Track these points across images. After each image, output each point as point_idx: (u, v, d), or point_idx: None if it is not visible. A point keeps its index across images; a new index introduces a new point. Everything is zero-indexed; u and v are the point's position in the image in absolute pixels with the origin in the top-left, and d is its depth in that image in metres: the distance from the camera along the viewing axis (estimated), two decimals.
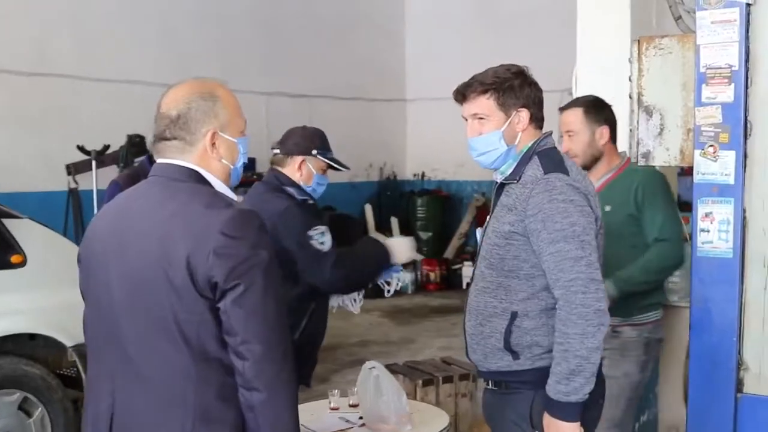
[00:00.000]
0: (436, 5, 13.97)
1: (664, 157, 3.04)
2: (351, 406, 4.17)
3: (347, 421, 4.01)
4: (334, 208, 13.05)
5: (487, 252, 2.84)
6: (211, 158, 2.28)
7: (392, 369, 5.45)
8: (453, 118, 11.93)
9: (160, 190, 2.27)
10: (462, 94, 2.84)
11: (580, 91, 4.87)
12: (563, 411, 2.64)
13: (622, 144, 4.44)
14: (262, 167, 12.14)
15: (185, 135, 2.26)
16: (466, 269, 12.48)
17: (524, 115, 2.80)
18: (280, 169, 3.61)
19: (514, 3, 12.91)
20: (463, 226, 13.45)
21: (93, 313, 2.33)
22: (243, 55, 11.75)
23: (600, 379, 2.80)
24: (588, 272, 2.61)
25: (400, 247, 3.58)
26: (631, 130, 3.11)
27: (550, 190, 2.67)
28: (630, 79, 3.13)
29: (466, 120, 2.87)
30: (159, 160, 2.31)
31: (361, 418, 3.97)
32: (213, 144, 2.27)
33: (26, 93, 9.40)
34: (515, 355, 2.77)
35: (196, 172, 2.26)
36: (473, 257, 12.47)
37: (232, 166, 2.33)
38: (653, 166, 3.81)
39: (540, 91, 2.85)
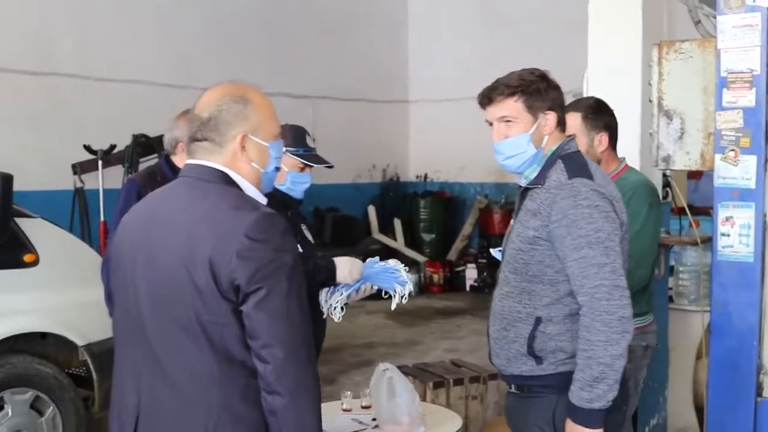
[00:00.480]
0: (438, 6, 13.97)
1: (685, 161, 3.05)
2: (363, 407, 4.17)
3: (360, 422, 4.01)
4: (337, 209, 13.07)
5: (511, 256, 2.83)
6: (240, 161, 2.28)
7: (402, 371, 5.45)
8: (455, 120, 12.09)
9: (188, 190, 2.28)
10: (488, 98, 2.80)
11: (591, 94, 4.87)
12: (586, 418, 2.63)
13: (631, 147, 4.43)
14: None
15: (215, 137, 2.27)
16: (470, 271, 12.49)
17: (551, 117, 2.78)
18: None
19: (516, 5, 12.91)
20: (466, 228, 13.46)
21: (121, 310, 2.33)
22: (245, 56, 11.74)
23: (624, 384, 2.80)
24: (612, 279, 2.59)
25: (344, 267, 3.49)
26: (651, 134, 3.11)
27: (574, 196, 2.66)
28: (650, 83, 3.13)
29: (491, 124, 2.83)
30: (189, 161, 2.32)
31: (374, 419, 3.97)
32: (243, 147, 2.27)
33: (31, 92, 9.41)
34: (539, 360, 2.76)
35: (225, 174, 2.27)
36: (476, 259, 12.56)
37: (262, 170, 2.32)
38: (643, 176, 3.69)
39: (562, 94, 2.83)
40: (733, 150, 2.87)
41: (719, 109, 2.89)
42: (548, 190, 2.72)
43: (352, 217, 13.09)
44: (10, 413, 4.57)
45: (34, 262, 4.68)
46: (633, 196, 3.51)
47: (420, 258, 12.92)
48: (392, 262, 3.58)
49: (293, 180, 3.49)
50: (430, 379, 5.11)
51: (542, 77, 2.80)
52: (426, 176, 14.46)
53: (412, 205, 13.83)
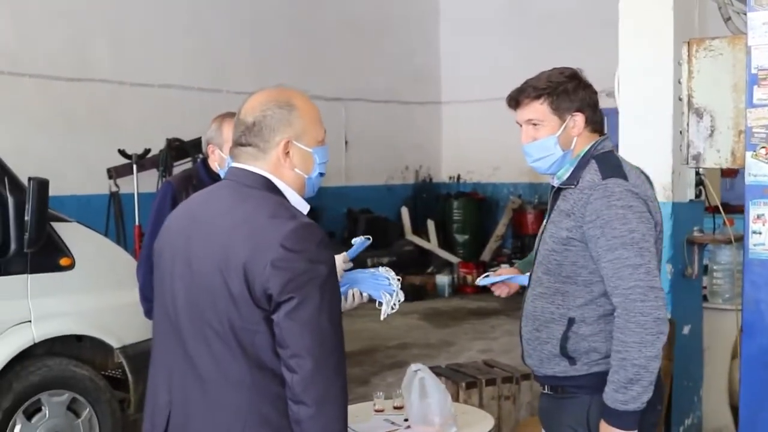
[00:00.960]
0: (470, 7, 13.94)
1: (715, 159, 3.02)
2: (395, 408, 4.18)
3: (392, 423, 4.02)
4: (370, 210, 13.10)
5: (544, 257, 2.83)
6: (284, 167, 2.28)
7: (435, 371, 5.44)
8: (488, 121, 12.03)
9: (230, 194, 2.29)
10: (515, 100, 2.81)
11: (623, 93, 4.84)
12: (620, 419, 2.62)
13: (663, 145, 4.39)
14: None
15: (259, 142, 2.27)
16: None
17: (579, 119, 2.77)
18: None
19: (548, 4, 12.86)
20: (500, 229, 13.42)
21: (159, 310, 2.36)
22: (277, 59, 11.81)
23: (658, 384, 2.78)
24: (647, 280, 2.58)
25: None
26: (681, 133, 3.08)
27: (608, 196, 2.64)
28: (680, 81, 3.10)
29: (521, 126, 2.84)
30: (234, 164, 2.33)
31: (406, 420, 3.98)
32: (287, 153, 2.27)
33: (67, 98, 9.55)
34: (572, 360, 2.76)
35: (268, 179, 2.27)
36: (510, 260, 12.50)
37: (306, 176, 2.32)
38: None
39: (595, 93, 2.81)
40: (764, 147, 2.84)
41: (750, 106, 2.86)
42: (582, 191, 2.71)
43: (385, 218, 13.11)
44: (47, 415, 4.63)
45: (70, 266, 4.73)
46: None
47: (453, 259, 12.91)
48: (382, 269, 3.55)
49: None
50: (462, 380, 5.11)
51: (572, 77, 2.79)
52: (459, 177, 14.45)
53: (445, 206, 13.83)
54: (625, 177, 2.69)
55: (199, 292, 2.20)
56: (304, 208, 2.34)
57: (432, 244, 13.22)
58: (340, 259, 3.47)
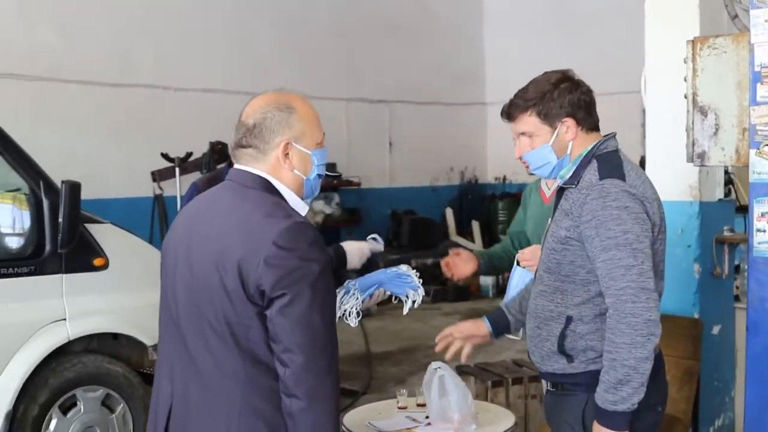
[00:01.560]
0: (513, 6, 13.92)
1: (720, 157, 3.01)
2: (419, 405, 4.22)
3: (414, 420, 4.06)
4: (414, 212, 13.15)
5: (546, 256, 2.85)
6: (283, 168, 2.35)
7: (463, 370, 5.48)
8: None
9: (230, 194, 2.37)
10: (507, 114, 2.85)
11: (649, 93, 4.82)
12: (610, 420, 2.63)
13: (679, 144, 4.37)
14: (342, 172, 12.31)
15: (259, 144, 2.35)
16: None
17: (570, 124, 2.78)
18: None
19: (593, 3, 12.78)
20: None
21: (163, 306, 2.46)
22: (321, 62, 11.91)
23: (659, 385, 2.80)
24: (639, 281, 2.58)
25: (352, 251, 3.57)
26: (686, 131, 3.08)
27: (604, 197, 2.65)
28: (685, 80, 3.10)
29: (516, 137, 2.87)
30: (235, 166, 2.41)
31: (427, 417, 4.02)
32: (286, 154, 2.34)
33: (111, 103, 9.77)
34: (569, 358, 2.78)
35: (267, 180, 2.35)
36: None
37: (304, 177, 2.39)
38: None
39: (586, 93, 2.81)
40: (767, 145, 2.83)
41: (753, 103, 2.85)
42: (580, 191, 2.73)
43: (429, 219, 13.15)
44: (82, 410, 4.79)
45: (104, 266, 4.87)
46: None
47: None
48: (404, 268, 3.66)
49: None
50: (489, 378, 5.14)
51: (558, 82, 2.78)
52: (504, 178, 14.41)
53: (491, 207, 13.81)
54: (623, 177, 2.69)
55: (198, 289, 2.29)
56: (303, 208, 2.41)
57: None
58: (366, 246, 3.59)
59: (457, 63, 13.93)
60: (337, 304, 3.58)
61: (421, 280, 3.68)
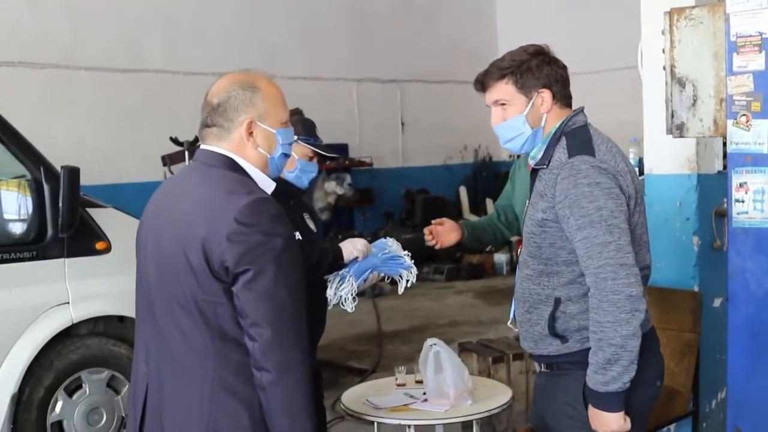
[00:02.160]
0: None
1: (698, 128, 2.99)
2: (417, 382, 4.26)
3: (411, 396, 4.10)
4: (427, 190, 13.15)
5: (526, 240, 2.82)
6: (247, 146, 2.39)
7: (465, 347, 5.51)
8: None
9: (196, 174, 2.41)
10: (481, 83, 2.81)
11: (645, 68, 4.78)
12: (603, 401, 2.60)
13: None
14: (354, 153, 12.33)
15: (223, 122, 2.38)
16: None
17: (546, 95, 2.74)
18: None
19: None
20: None
21: (138, 286, 2.51)
22: (331, 42, 11.92)
23: (656, 359, 2.78)
24: (617, 257, 2.54)
25: (347, 247, 3.62)
26: (665, 103, 3.07)
27: (574, 175, 2.61)
28: (663, 51, 3.09)
29: (490, 108, 2.83)
30: (201, 146, 2.45)
31: (424, 393, 4.06)
32: (250, 133, 2.38)
33: (123, 89, 9.83)
34: (563, 339, 2.74)
35: (231, 158, 2.38)
36: None
37: (269, 156, 2.43)
38: None
39: (562, 68, 2.78)
40: (744, 115, 2.82)
41: (730, 74, 2.83)
42: (551, 171, 2.69)
43: (443, 198, 13.15)
44: (87, 391, 4.87)
45: (107, 250, 4.93)
46: None
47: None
48: (390, 242, 3.71)
49: (302, 168, 3.59)
50: (490, 355, 5.16)
51: (536, 54, 2.76)
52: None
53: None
54: (592, 153, 2.65)
55: (166, 268, 2.33)
56: (269, 185, 2.45)
57: None
58: (361, 242, 3.64)
59: (469, 41, 13.87)
60: (333, 292, 3.64)
61: (412, 260, 3.73)
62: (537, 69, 2.73)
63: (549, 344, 2.77)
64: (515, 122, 2.77)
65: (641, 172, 5.20)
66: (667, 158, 4.76)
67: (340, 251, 3.57)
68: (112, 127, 9.69)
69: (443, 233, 3.91)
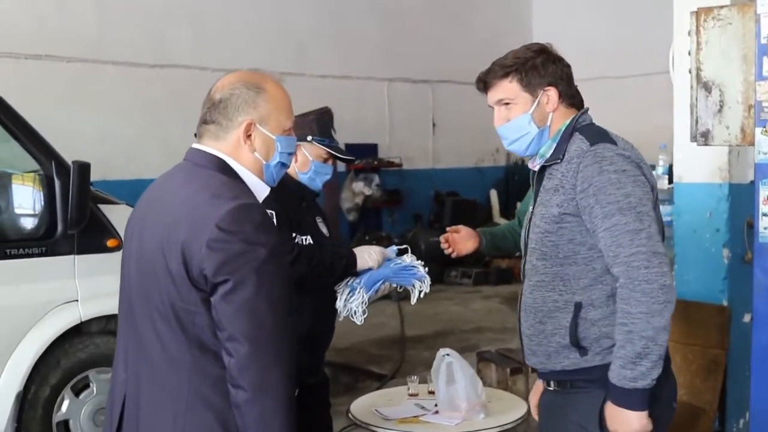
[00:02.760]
0: None
1: (724, 136, 2.82)
2: (430, 392, 4.13)
3: (422, 407, 3.98)
4: (457, 193, 13.00)
5: (537, 242, 2.64)
6: (242, 148, 2.26)
7: (483, 356, 5.38)
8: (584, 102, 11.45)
9: (183, 175, 2.28)
10: (483, 82, 2.69)
11: (676, 72, 4.62)
12: (629, 399, 2.43)
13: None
14: (383, 153, 12.22)
15: (222, 120, 2.26)
16: None
17: (552, 93, 2.63)
18: None
19: None
20: None
21: (121, 288, 2.38)
22: (362, 41, 11.81)
23: (671, 379, 2.64)
24: (649, 245, 2.40)
25: (362, 254, 3.49)
26: (690, 108, 2.90)
27: (599, 161, 2.48)
28: (689, 53, 2.92)
29: (493, 108, 2.72)
30: (194, 145, 2.32)
31: (436, 405, 3.93)
32: (249, 135, 2.25)
33: (148, 84, 9.80)
34: (583, 350, 2.56)
35: (222, 160, 2.25)
36: None
37: (264, 162, 2.30)
38: None
39: (567, 66, 2.67)
40: None
41: (759, 78, 2.66)
42: (569, 162, 2.55)
43: (473, 201, 12.99)
44: (95, 391, 4.78)
45: (118, 247, 4.83)
46: None
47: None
48: (408, 259, 3.57)
49: (316, 170, 3.48)
50: (508, 365, 5.02)
51: (540, 51, 2.65)
52: None
53: None
54: (614, 142, 2.54)
55: (146, 270, 2.21)
56: (262, 190, 2.32)
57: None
58: (389, 252, 3.53)
59: (503, 41, 13.51)
60: (342, 303, 3.52)
61: (426, 269, 3.60)
62: (542, 67, 2.62)
63: (565, 357, 2.60)
64: (520, 121, 2.65)
65: (670, 180, 5.03)
66: (697, 166, 4.60)
67: (354, 258, 3.45)
68: (138, 122, 9.66)
69: (459, 241, 3.79)
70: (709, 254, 4.59)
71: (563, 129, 2.64)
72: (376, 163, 11.83)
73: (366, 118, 11.78)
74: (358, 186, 11.47)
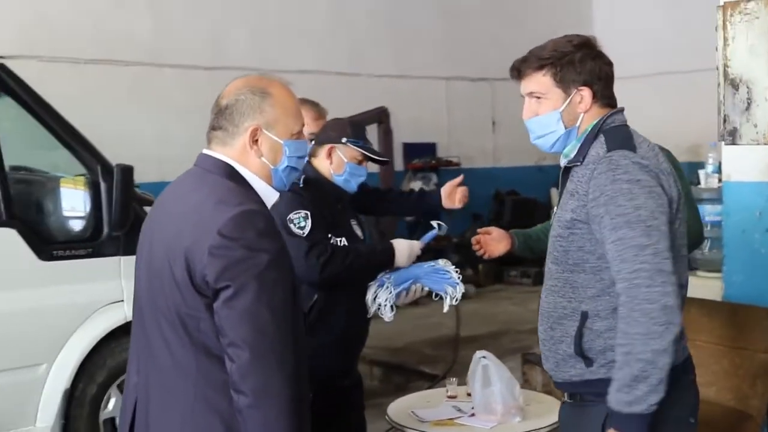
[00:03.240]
0: None
1: (752, 134, 2.72)
2: (468, 395, 4.10)
3: (459, 410, 3.96)
4: (517, 192, 12.87)
5: (551, 246, 2.58)
6: (249, 154, 2.27)
7: (528, 359, 5.31)
8: (642, 99, 11.50)
9: (192, 180, 2.31)
10: (518, 71, 2.60)
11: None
12: (627, 424, 2.32)
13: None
14: (442, 152, 12.17)
15: (228, 126, 2.28)
16: None
17: (586, 94, 2.50)
18: (312, 159, 3.55)
19: None
20: None
21: (134, 294, 2.42)
22: (419, 40, 11.76)
23: (692, 391, 2.52)
24: (654, 262, 2.27)
25: (402, 249, 3.43)
26: (718, 106, 2.80)
27: (613, 170, 2.36)
28: (716, 49, 2.82)
29: (524, 98, 2.63)
30: (204, 150, 2.35)
31: (473, 408, 3.90)
32: (256, 141, 2.27)
33: (205, 87, 9.88)
34: (588, 361, 2.47)
35: (230, 166, 2.27)
36: None
37: (272, 167, 2.31)
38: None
39: (608, 64, 2.53)
40: None
41: None
42: (586, 166, 2.45)
43: (533, 200, 12.84)
44: None
45: None
46: None
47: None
48: (442, 262, 3.53)
49: (351, 172, 3.49)
50: None
51: (581, 46, 2.52)
52: None
53: None
54: (633, 149, 2.41)
55: (154, 277, 2.25)
56: (271, 196, 2.33)
57: None
58: (417, 246, 3.50)
59: None
60: (371, 297, 3.50)
61: (460, 276, 3.56)
62: (580, 63, 2.49)
63: (571, 366, 2.51)
64: (549, 119, 2.54)
65: (720, 179, 4.90)
66: (746, 164, 4.46)
67: (392, 251, 3.43)
68: (195, 124, 9.67)
69: (491, 243, 3.74)
70: (759, 255, 4.46)
71: (590, 129, 2.53)
72: (434, 162, 11.78)
73: (424, 118, 11.74)
74: (416, 185, 11.44)
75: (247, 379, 2.07)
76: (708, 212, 4.97)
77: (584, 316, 2.46)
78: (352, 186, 3.54)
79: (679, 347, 2.38)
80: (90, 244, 4.72)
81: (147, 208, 4.91)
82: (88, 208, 4.75)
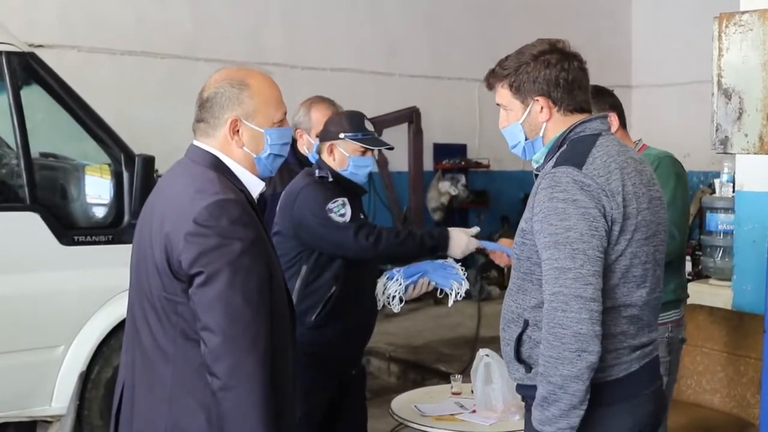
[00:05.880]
0: None
1: (743, 144, 2.75)
2: (472, 392, 4.16)
3: (461, 406, 4.03)
4: None
5: (513, 250, 2.58)
6: (232, 144, 2.36)
7: None
8: (679, 105, 11.40)
9: (180, 170, 2.42)
10: (487, 82, 2.63)
11: None
12: None
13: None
14: (472, 154, 12.19)
15: (209, 118, 2.37)
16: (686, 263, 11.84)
17: (544, 103, 2.48)
18: (322, 156, 3.64)
19: None
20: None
21: (129, 280, 2.52)
22: (454, 41, 11.76)
23: (638, 410, 2.45)
24: (573, 287, 2.24)
25: (459, 240, 3.50)
26: (711, 115, 2.86)
27: (552, 186, 2.33)
28: (711, 59, 2.88)
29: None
30: (193, 141, 2.44)
31: (475, 404, 3.97)
32: (236, 131, 2.35)
33: None
34: (527, 367, 2.46)
35: (215, 156, 2.36)
36: (693, 251, 11.85)
37: (254, 155, 2.39)
38: (664, 150, 3.58)
39: (567, 70, 2.50)
40: None
41: None
42: (539, 178, 2.45)
43: None
44: None
45: None
46: (657, 168, 3.39)
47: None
48: (451, 261, 3.62)
49: (355, 164, 3.56)
50: None
51: (540, 54, 2.52)
52: None
53: None
54: (580, 165, 2.35)
55: (141, 261, 2.36)
56: (256, 186, 2.41)
57: None
58: (474, 244, 3.58)
59: (601, 44, 13.38)
60: (381, 290, 3.60)
61: (465, 274, 3.64)
62: (533, 72, 2.49)
63: (516, 370, 2.52)
64: (513, 130, 2.55)
65: (733, 189, 4.91)
66: (759, 174, 4.49)
67: (446, 239, 3.50)
68: None
69: (504, 255, 3.80)
70: None
71: (558, 137, 2.51)
72: (463, 163, 11.81)
73: (455, 119, 11.76)
74: (445, 186, 11.48)
75: (218, 362, 2.15)
76: (721, 221, 5.00)
77: (526, 323, 2.45)
78: (360, 178, 3.63)
79: (617, 363, 2.38)
80: (110, 230, 4.84)
81: None
82: (110, 196, 4.88)
